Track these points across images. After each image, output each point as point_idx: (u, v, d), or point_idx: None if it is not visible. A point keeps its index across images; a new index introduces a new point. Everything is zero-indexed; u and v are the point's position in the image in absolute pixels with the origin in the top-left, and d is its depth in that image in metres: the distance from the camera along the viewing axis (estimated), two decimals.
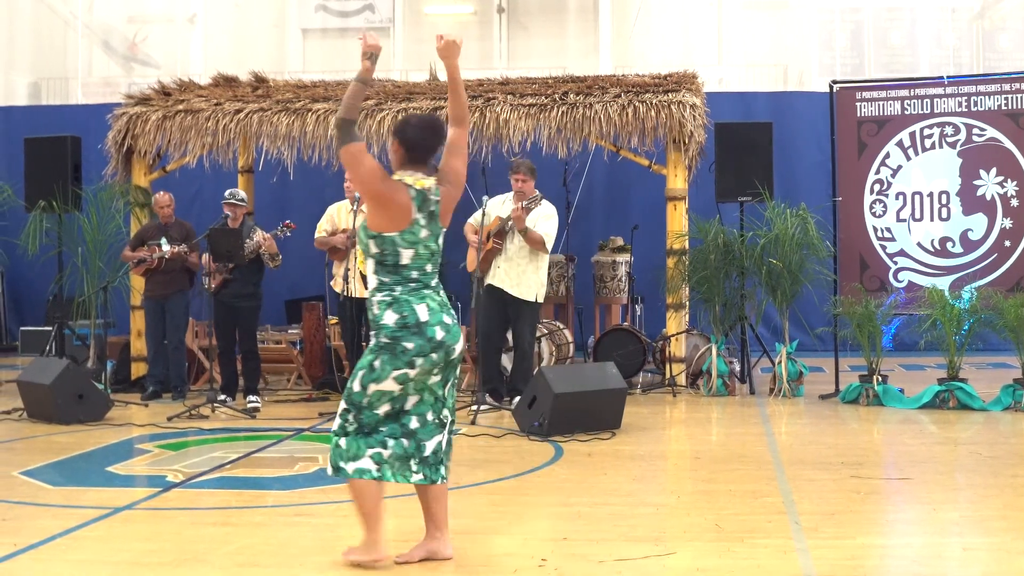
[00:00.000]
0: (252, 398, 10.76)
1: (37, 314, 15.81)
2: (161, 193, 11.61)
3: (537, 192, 10.38)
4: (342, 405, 5.29)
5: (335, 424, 5.31)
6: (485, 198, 10.54)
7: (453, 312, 5.37)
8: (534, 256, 10.37)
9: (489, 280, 10.27)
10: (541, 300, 10.50)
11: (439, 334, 5.20)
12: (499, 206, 10.51)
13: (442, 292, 5.35)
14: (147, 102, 12.77)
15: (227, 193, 10.98)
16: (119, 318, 13.23)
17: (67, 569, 5.39)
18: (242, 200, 10.90)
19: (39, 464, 8.07)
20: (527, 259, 10.36)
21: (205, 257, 10.72)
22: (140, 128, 12.42)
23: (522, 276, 10.35)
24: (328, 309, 11.90)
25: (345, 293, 10.58)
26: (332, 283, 11.02)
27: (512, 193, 10.46)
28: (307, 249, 11.59)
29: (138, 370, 12.16)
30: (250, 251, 10.61)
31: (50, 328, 13.13)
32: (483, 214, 10.28)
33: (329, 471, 5.34)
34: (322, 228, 10.95)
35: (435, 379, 5.28)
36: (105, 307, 11.99)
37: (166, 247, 11.18)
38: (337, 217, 10.95)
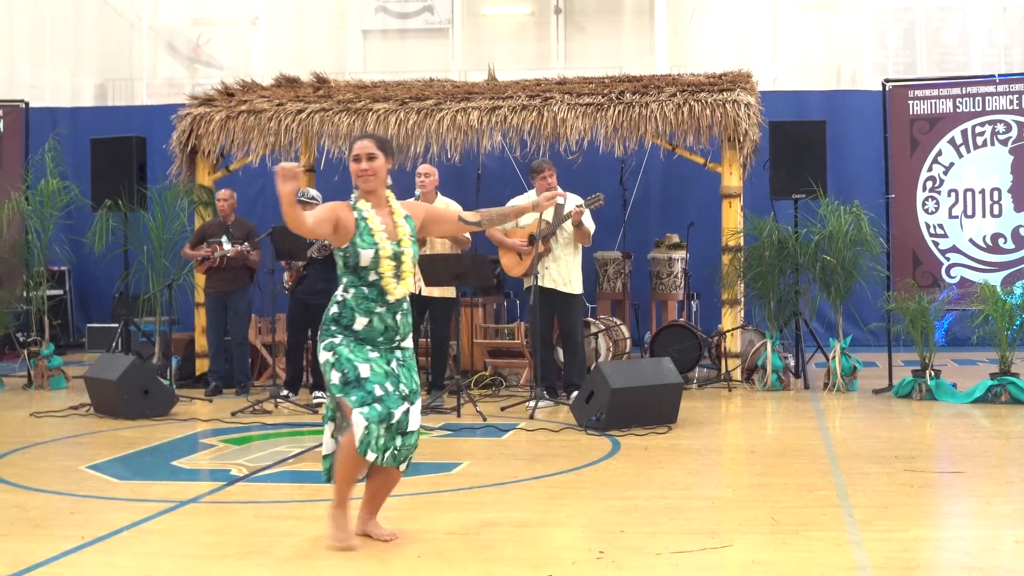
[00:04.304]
0: (318, 393, 10.78)
1: (103, 311, 15.96)
2: (223, 190, 11.82)
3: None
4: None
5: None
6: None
7: None
8: (576, 251, 10.55)
9: (538, 282, 10.32)
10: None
11: None
12: None
13: None
14: (211, 103, 12.95)
15: (298, 192, 11.05)
16: (184, 315, 13.41)
17: (133, 561, 5.44)
18: (313, 198, 10.74)
19: (106, 458, 8.16)
20: (572, 255, 10.53)
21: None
22: (204, 128, 12.60)
23: (570, 273, 10.50)
24: None
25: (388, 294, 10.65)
26: None
27: (533, 192, 10.57)
28: None
29: (202, 366, 12.33)
30: (319, 249, 10.48)
31: (116, 325, 13.35)
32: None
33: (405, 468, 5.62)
34: None
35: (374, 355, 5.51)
36: (170, 304, 12.20)
37: (227, 245, 11.31)
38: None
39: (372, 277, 5.51)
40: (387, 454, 5.44)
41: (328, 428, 5.66)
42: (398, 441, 5.45)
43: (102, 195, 12.34)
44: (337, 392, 5.44)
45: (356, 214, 5.57)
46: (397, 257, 5.54)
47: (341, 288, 5.58)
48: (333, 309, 5.54)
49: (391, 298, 5.51)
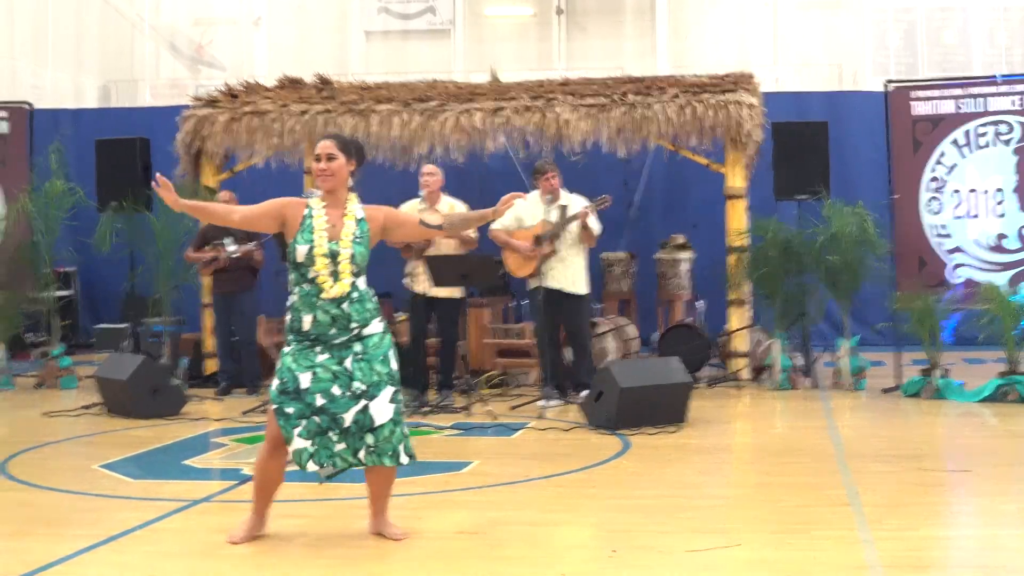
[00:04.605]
0: None
1: (111, 311, 15.93)
2: (223, 191, 11.86)
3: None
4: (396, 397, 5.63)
5: (395, 413, 5.60)
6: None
7: None
8: (581, 251, 10.57)
9: (544, 283, 10.34)
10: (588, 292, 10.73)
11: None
12: (529, 208, 10.59)
13: None
14: (215, 104, 12.95)
15: (304, 193, 11.11)
16: (191, 315, 13.46)
17: (145, 560, 5.48)
18: None
19: (118, 458, 8.19)
20: (577, 256, 10.54)
21: None
22: (208, 130, 12.61)
23: (576, 273, 10.52)
24: (395, 305, 12.03)
25: (414, 289, 10.57)
26: (405, 280, 11.15)
27: (536, 193, 10.56)
28: (377, 246, 11.73)
29: (211, 366, 12.32)
30: None
31: (124, 325, 13.39)
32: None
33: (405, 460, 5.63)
34: None
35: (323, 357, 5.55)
36: (178, 305, 12.26)
37: (232, 246, 11.31)
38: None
39: (311, 274, 5.58)
40: (360, 454, 5.52)
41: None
42: (368, 439, 5.51)
43: (107, 196, 12.38)
44: (273, 400, 5.51)
45: (306, 211, 5.66)
46: (334, 256, 5.57)
47: (293, 290, 5.67)
48: (288, 316, 5.65)
49: (326, 296, 5.54)
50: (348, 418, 5.47)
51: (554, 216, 10.39)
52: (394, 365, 5.69)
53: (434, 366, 10.97)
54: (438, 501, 6.72)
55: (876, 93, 13.36)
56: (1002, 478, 7.21)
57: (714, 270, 12.39)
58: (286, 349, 5.60)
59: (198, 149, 12.76)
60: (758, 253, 11.62)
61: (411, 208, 11.16)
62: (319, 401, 5.46)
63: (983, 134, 11.46)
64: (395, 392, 5.63)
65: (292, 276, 5.63)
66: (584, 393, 9.80)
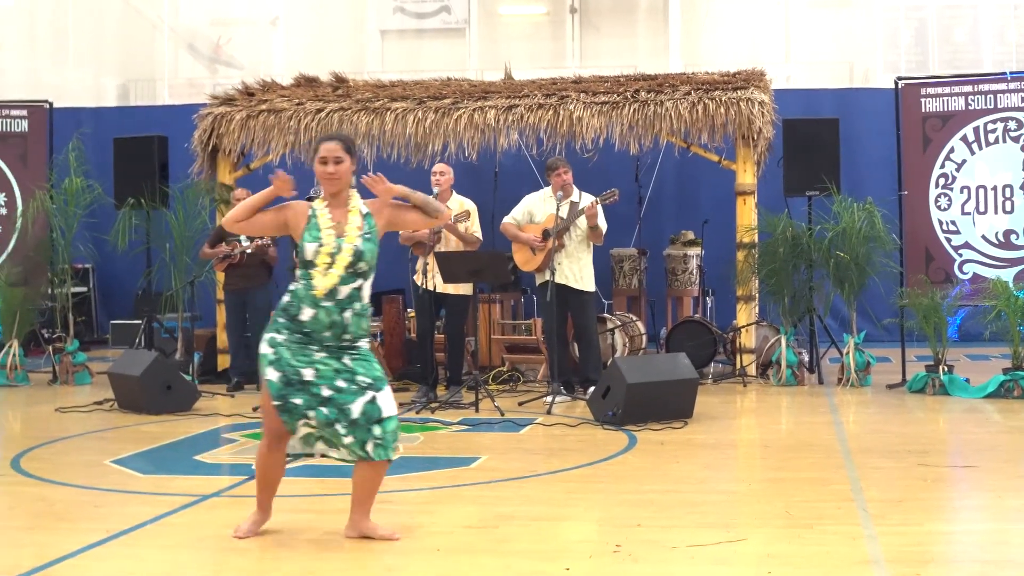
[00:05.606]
0: None
1: (126, 308, 16.07)
2: (239, 189, 11.96)
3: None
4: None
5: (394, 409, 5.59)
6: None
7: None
8: (588, 248, 10.65)
9: (550, 278, 10.38)
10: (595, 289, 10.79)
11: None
12: (541, 203, 10.74)
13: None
14: (231, 102, 13.06)
15: (312, 190, 11.21)
16: (205, 311, 13.54)
17: (156, 554, 5.51)
18: None
19: (129, 453, 8.26)
20: (584, 252, 10.63)
21: (293, 252, 10.94)
22: (225, 127, 12.72)
23: (583, 269, 10.60)
24: (407, 301, 12.11)
25: (424, 286, 10.61)
26: (415, 277, 11.20)
27: (548, 189, 10.69)
28: (388, 243, 11.76)
29: (224, 362, 12.42)
30: None
31: (139, 321, 13.48)
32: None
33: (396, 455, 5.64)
34: None
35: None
36: (192, 301, 12.34)
37: (247, 241, 11.42)
38: None
39: (315, 270, 5.58)
40: (368, 447, 5.48)
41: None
42: (376, 430, 5.47)
43: (125, 193, 12.47)
44: (276, 394, 5.46)
45: (311, 211, 5.66)
46: (336, 252, 5.56)
47: (296, 280, 5.63)
48: (285, 298, 5.60)
49: (316, 293, 5.51)
50: (356, 409, 5.44)
51: (564, 212, 10.46)
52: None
53: (441, 362, 11.04)
54: (446, 496, 6.76)
55: (886, 90, 13.36)
56: (1006, 474, 7.21)
57: (724, 266, 12.44)
58: (279, 337, 5.50)
59: (214, 146, 12.85)
60: (766, 249, 11.65)
61: None
62: (325, 392, 5.43)
63: (992, 131, 11.48)
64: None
65: (300, 271, 5.61)
66: (591, 389, 9.86)
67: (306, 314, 5.50)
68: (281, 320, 5.55)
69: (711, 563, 5.24)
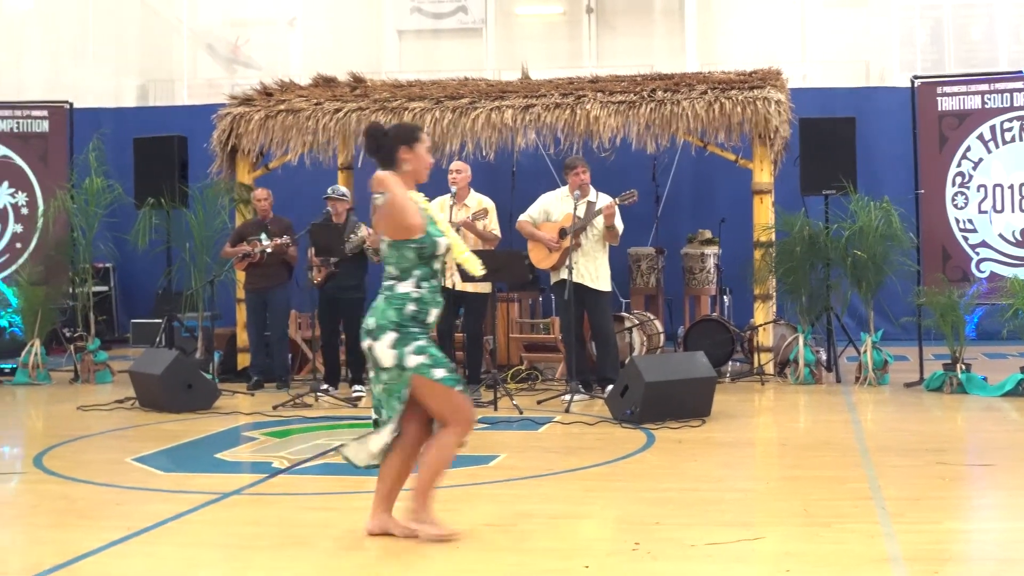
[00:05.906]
0: (358, 387, 10.87)
1: (147, 307, 16.13)
2: (259, 188, 12.03)
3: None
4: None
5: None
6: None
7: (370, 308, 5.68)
8: (604, 248, 10.68)
9: (566, 276, 10.36)
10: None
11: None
12: (557, 202, 10.77)
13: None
14: (250, 102, 13.12)
15: (329, 189, 11.26)
16: (225, 310, 13.60)
17: (176, 552, 5.56)
18: (343, 195, 11.04)
19: (150, 451, 8.31)
20: (601, 252, 10.66)
21: (309, 252, 11.03)
22: (244, 127, 12.76)
23: (599, 269, 10.63)
24: None
25: (442, 284, 10.73)
26: None
27: (565, 188, 10.75)
28: None
29: (244, 360, 12.48)
30: (354, 246, 10.70)
31: (159, 320, 13.56)
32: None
33: None
34: None
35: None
36: (212, 300, 12.40)
37: (266, 241, 11.47)
38: (440, 211, 11.20)
39: (437, 266, 5.61)
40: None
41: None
42: None
43: (145, 193, 12.56)
44: (453, 384, 5.58)
45: (420, 207, 5.65)
46: (447, 249, 5.67)
47: (411, 283, 5.51)
48: (410, 307, 5.48)
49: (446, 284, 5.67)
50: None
51: (581, 211, 10.49)
52: None
53: (461, 361, 11.08)
54: (466, 494, 6.77)
55: (903, 89, 13.36)
56: (1023, 472, 7.21)
57: (741, 265, 12.44)
58: (422, 343, 5.50)
59: (233, 146, 12.90)
60: (784, 248, 11.67)
61: (441, 204, 11.28)
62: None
63: (1008, 129, 11.47)
64: None
65: (420, 271, 5.51)
66: (610, 387, 9.88)
67: (433, 315, 5.61)
68: (414, 329, 5.51)
69: (729, 561, 5.25)
